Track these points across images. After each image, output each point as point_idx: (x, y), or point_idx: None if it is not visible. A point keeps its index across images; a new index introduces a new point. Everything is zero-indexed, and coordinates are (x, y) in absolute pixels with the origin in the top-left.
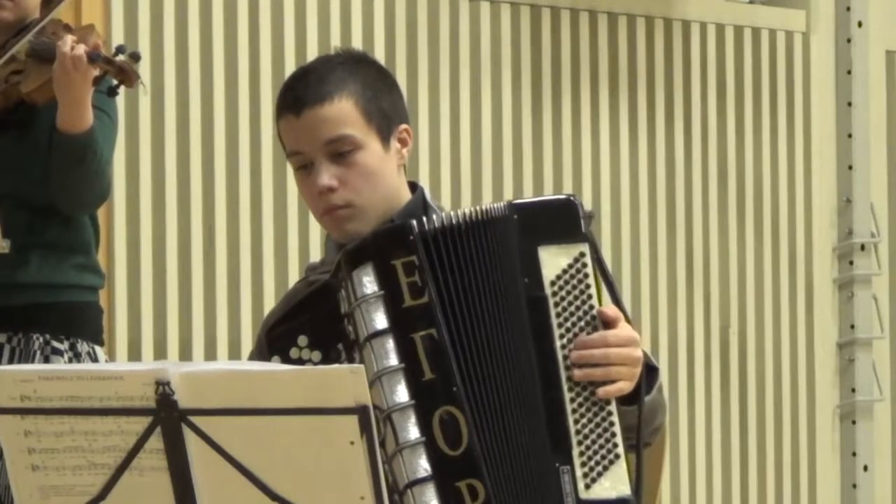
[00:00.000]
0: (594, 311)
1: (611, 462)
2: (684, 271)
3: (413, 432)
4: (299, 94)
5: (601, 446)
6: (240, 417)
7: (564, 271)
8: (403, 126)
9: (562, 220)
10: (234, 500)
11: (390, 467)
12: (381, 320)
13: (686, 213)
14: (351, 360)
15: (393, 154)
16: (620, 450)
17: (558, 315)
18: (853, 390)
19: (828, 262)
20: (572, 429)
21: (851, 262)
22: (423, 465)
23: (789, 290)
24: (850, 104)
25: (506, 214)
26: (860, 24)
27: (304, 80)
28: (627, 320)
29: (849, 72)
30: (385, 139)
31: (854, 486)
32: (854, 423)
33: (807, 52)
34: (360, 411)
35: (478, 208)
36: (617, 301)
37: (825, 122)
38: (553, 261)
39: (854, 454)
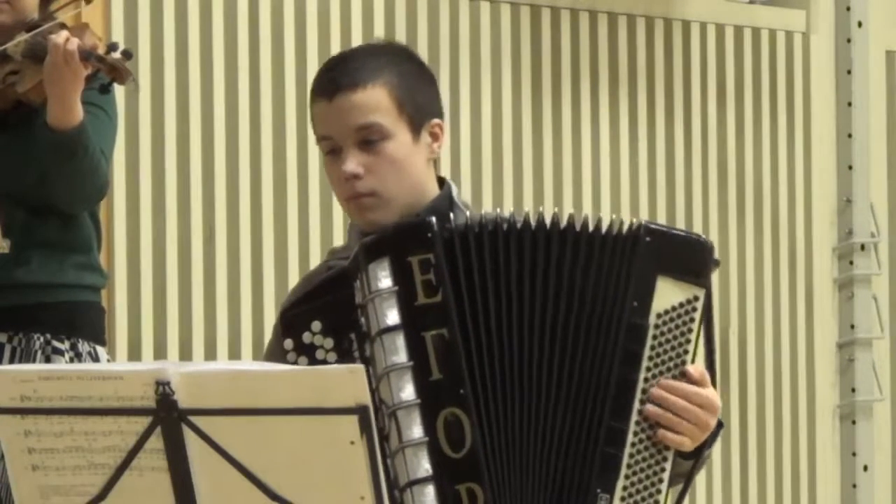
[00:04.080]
0: (686, 358)
1: None
2: None
3: (417, 431)
4: (334, 78)
5: (646, 487)
6: (240, 417)
7: (674, 308)
8: (436, 121)
9: (691, 258)
10: (234, 500)
11: (392, 463)
12: (393, 316)
13: (686, 213)
14: (362, 352)
15: (423, 147)
16: (662, 497)
17: (652, 348)
18: (853, 390)
19: (828, 262)
20: (625, 461)
21: (851, 262)
22: (425, 466)
23: (789, 290)
24: (850, 104)
25: (638, 234)
26: (860, 24)
27: (340, 65)
28: (714, 383)
29: (849, 72)
30: (416, 131)
31: (854, 486)
32: (854, 423)
33: (807, 52)
34: (360, 411)
35: (558, 213)
36: (711, 362)
37: (825, 122)
38: (667, 294)
39: (854, 454)
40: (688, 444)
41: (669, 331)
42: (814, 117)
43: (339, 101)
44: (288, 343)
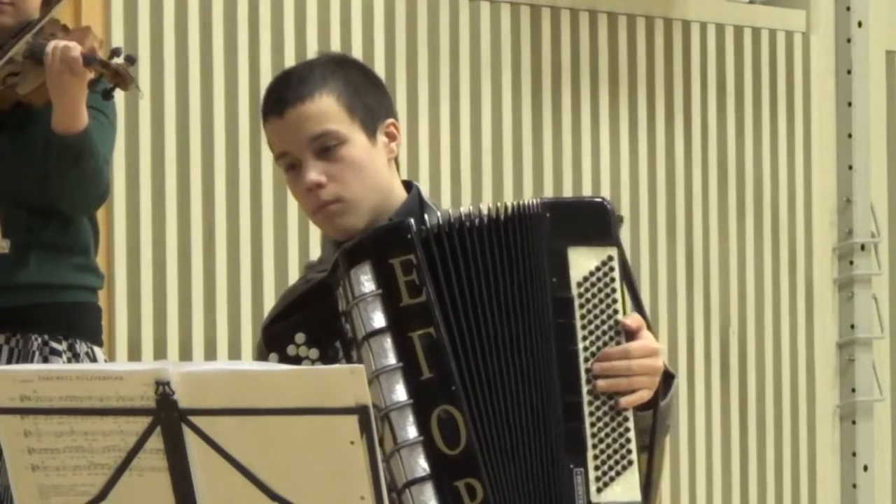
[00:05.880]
0: (617, 317)
1: (623, 468)
2: (684, 271)
3: (411, 431)
4: (281, 94)
5: (615, 451)
6: (240, 417)
7: (592, 273)
8: (390, 120)
9: (594, 222)
10: (234, 500)
11: (388, 466)
12: (378, 319)
13: (686, 213)
14: (349, 358)
15: (380, 147)
16: (634, 456)
17: (582, 317)
18: (853, 390)
19: (828, 262)
20: (588, 432)
21: (851, 262)
22: (422, 465)
23: (789, 290)
24: (850, 104)
25: (538, 212)
26: (860, 24)
27: (284, 81)
28: (648, 327)
29: (849, 72)
30: (370, 133)
31: (854, 486)
32: (854, 423)
33: (807, 52)
34: (360, 411)
35: (488, 206)
36: (640, 308)
37: (825, 122)
38: (581, 262)
39: (854, 454)
40: (646, 395)
41: (594, 296)
42: (814, 117)
43: (289, 115)
44: (273, 357)
